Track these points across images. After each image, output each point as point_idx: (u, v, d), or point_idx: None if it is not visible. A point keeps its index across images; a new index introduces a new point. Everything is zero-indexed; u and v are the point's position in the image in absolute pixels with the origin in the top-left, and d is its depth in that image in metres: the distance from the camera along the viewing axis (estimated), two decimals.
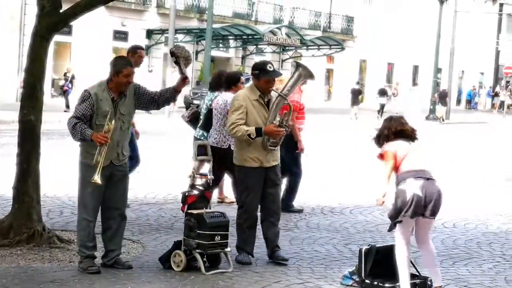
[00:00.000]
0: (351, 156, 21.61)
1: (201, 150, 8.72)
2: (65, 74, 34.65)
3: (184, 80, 8.36)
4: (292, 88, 9.00)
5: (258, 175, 8.75)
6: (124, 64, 8.14)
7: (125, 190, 8.36)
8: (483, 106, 63.03)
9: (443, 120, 45.80)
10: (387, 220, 11.70)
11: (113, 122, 7.93)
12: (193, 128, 11.79)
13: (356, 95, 43.37)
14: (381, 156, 7.89)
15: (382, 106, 44.66)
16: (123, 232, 8.45)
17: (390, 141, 7.85)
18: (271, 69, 8.79)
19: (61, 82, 34.77)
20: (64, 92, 34.08)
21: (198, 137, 11.23)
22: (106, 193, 8.16)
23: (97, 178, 7.85)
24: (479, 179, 17.85)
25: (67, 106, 32.62)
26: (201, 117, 11.41)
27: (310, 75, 9.14)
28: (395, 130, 7.87)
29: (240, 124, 8.60)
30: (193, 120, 11.72)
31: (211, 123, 11.01)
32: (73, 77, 34.13)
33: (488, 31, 67.13)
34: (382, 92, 45.55)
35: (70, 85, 33.54)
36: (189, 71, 37.37)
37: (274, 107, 8.77)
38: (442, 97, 46.76)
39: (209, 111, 11.15)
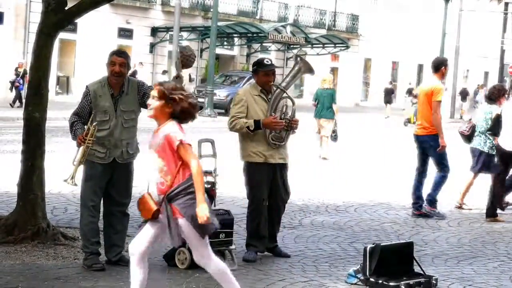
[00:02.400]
0: (359, 155, 21.59)
1: None
2: (16, 69, 32.84)
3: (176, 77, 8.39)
4: (291, 81, 8.97)
5: (264, 171, 8.74)
6: (112, 53, 8.18)
7: (127, 187, 8.31)
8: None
9: (461, 117, 46.72)
10: (392, 218, 11.75)
11: (94, 124, 7.91)
12: (467, 142, 12.85)
13: (389, 94, 44.02)
14: None
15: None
16: (125, 229, 8.43)
17: None
18: (268, 63, 8.85)
19: (12, 78, 32.78)
20: (15, 88, 32.23)
21: (478, 146, 12.56)
22: (107, 189, 8.17)
23: (70, 182, 7.91)
24: (485, 177, 17.79)
25: (20, 101, 30.94)
26: (479, 129, 12.52)
27: (310, 69, 9.12)
28: None
29: (240, 117, 8.68)
30: (471, 134, 12.64)
31: (500, 128, 12.04)
32: (25, 72, 31.79)
33: (493, 30, 66.97)
34: (411, 92, 46.63)
35: (21, 81, 31.76)
36: (193, 70, 36.95)
37: (272, 100, 8.77)
38: (463, 95, 48.15)
39: (498, 117, 12.12)
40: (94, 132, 7.89)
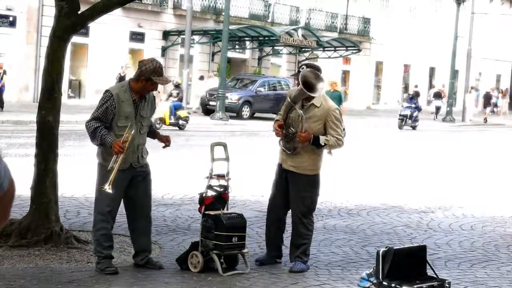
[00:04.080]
0: (372, 158, 21.58)
1: None
2: None
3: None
4: (296, 96, 8.60)
5: (278, 173, 8.78)
6: (159, 73, 8.00)
7: (148, 190, 8.32)
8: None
9: (486, 121, 47.09)
10: (404, 221, 11.74)
11: (132, 132, 7.91)
12: None
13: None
14: None
15: (438, 109, 47.34)
16: (150, 232, 8.44)
17: None
18: (302, 69, 8.82)
19: None
20: None
21: None
22: (129, 194, 8.17)
23: (108, 188, 7.86)
24: (498, 181, 17.77)
25: (1, 106, 29.82)
26: None
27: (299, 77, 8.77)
28: None
29: (277, 119, 8.86)
30: None
31: None
32: (4, 72, 30.79)
33: (505, 32, 66.85)
34: (437, 95, 47.50)
35: (0, 81, 30.19)
36: (205, 73, 36.96)
37: (283, 107, 8.85)
38: (487, 99, 48.60)
39: None
40: (130, 139, 7.90)
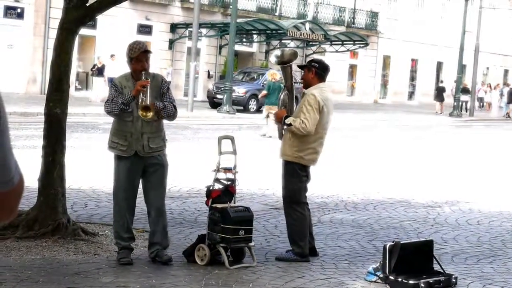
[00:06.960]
0: (381, 153, 21.57)
1: None
2: None
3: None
4: (285, 78, 9.07)
5: None
6: (138, 49, 8.13)
7: (161, 183, 8.27)
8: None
9: (509, 116, 47.24)
10: (411, 216, 11.74)
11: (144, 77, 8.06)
12: None
13: (441, 92, 46.80)
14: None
15: (465, 103, 48.24)
16: (162, 226, 8.34)
17: None
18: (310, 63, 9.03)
19: None
20: None
21: None
22: (143, 186, 8.24)
23: (146, 100, 7.94)
24: (505, 176, 17.74)
25: None
26: None
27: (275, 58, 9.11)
28: None
29: None
30: None
31: None
32: None
33: None
34: (465, 90, 48.04)
35: None
36: (212, 66, 37.36)
37: None
38: (511, 95, 48.95)
39: None
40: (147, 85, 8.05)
